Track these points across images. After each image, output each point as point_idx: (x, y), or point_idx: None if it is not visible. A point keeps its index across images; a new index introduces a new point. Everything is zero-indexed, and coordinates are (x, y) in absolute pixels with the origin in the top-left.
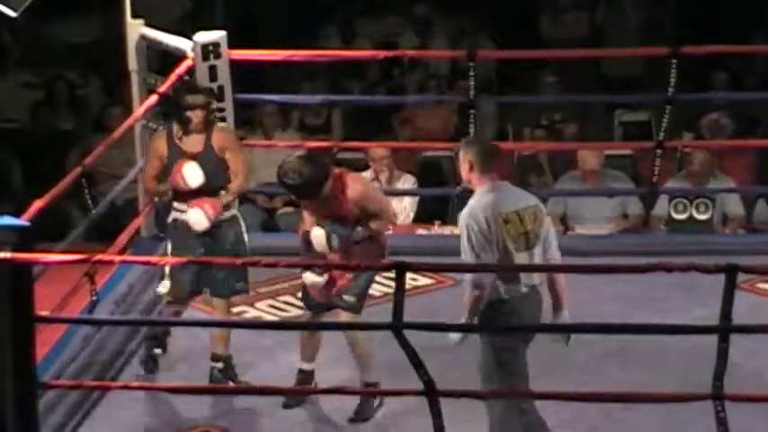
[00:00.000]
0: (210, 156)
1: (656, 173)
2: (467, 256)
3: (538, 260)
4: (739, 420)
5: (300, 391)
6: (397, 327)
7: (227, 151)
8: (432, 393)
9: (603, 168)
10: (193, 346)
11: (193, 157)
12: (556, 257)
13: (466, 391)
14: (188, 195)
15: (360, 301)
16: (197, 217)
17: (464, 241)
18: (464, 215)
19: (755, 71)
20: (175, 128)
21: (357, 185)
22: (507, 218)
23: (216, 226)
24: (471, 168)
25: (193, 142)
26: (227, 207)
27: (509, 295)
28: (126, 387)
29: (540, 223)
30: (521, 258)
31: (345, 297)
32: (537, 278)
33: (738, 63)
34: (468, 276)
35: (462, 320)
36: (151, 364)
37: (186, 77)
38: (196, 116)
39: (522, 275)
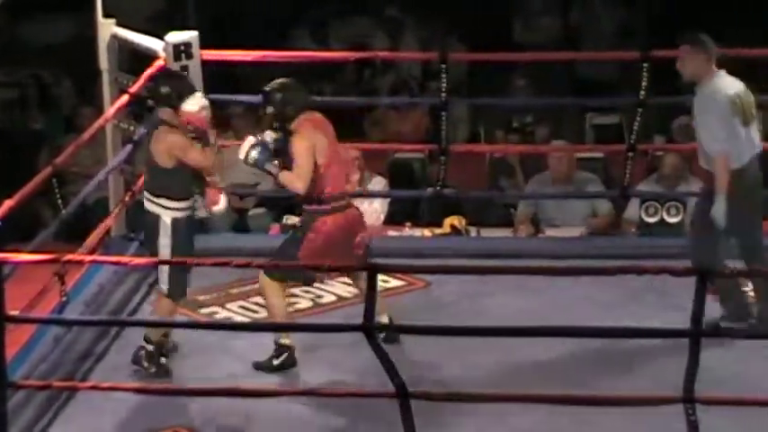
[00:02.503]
0: None
1: (627, 176)
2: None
3: (755, 134)
4: (710, 423)
5: (271, 394)
6: (368, 328)
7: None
8: (403, 396)
9: (575, 171)
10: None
11: None
12: None
13: (438, 393)
14: None
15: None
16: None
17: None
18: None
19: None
20: None
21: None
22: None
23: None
24: (708, 61)
25: None
26: None
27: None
28: (95, 388)
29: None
30: (750, 131)
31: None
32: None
33: None
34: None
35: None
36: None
37: None
38: None
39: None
